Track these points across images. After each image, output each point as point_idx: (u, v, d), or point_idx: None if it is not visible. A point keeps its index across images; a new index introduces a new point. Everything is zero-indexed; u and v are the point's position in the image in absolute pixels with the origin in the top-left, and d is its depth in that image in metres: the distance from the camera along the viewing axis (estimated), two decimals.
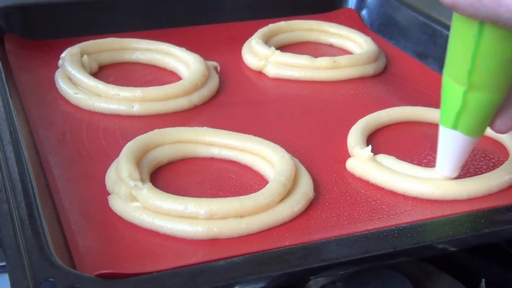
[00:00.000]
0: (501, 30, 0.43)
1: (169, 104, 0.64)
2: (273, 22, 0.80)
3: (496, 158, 0.58)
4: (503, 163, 0.56)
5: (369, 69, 0.74)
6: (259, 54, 0.74)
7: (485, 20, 0.42)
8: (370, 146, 0.56)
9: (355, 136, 0.59)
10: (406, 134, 0.62)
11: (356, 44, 0.79)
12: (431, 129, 0.63)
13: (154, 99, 0.64)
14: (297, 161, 0.55)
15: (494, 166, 0.57)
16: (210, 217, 0.47)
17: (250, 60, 0.74)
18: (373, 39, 0.78)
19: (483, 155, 0.59)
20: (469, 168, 0.56)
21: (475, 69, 0.45)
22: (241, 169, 0.56)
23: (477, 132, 0.49)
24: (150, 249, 0.46)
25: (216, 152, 0.57)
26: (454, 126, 0.49)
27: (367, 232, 0.47)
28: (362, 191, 0.54)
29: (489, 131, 0.51)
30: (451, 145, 0.50)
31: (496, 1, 0.39)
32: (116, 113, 0.63)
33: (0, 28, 0.75)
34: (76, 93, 0.64)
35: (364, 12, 0.88)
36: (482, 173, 0.55)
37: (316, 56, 0.73)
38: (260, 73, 0.73)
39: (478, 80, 0.46)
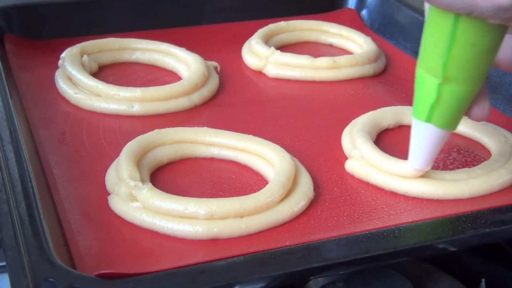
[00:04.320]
0: (476, 21, 0.43)
1: (169, 104, 0.64)
2: (273, 22, 0.80)
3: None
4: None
5: (369, 69, 0.73)
6: (259, 54, 0.74)
7: (460, 11, 0.42)
8: None
9: (352, 138, 0.58)
10: (406, 134, 0.62)
11: (356, 44, 0.78)
12: None
13: (154, 99, 0.64)
14: (297, 161, 0.55)
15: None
16: (210, 217, 0.47)
17: (250, 60, 0.74)
18: (373, 39, 0.78)
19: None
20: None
21: (449, 62, 0.45)
22: (241, 169, 0.56)
23: (451, 124, 0.49)
24: (150, 249, 0.46)
25: (216, 152, 0.57)
26: (428, 119, 0.48)
27: (367, 232, 0.47)
28: (362, 191, 0.54)
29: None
30: (424, 138, 0.49)
31: None
32: (116, 113, 0.63)
33: (0, 28, 0.75)
34: (76, 93, 0.64)
35: (364, 12, 0.88)
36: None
37: (316, 56, 0.73)
38: (260, 73, 0.73)
39: (453, 73, 0.45)
